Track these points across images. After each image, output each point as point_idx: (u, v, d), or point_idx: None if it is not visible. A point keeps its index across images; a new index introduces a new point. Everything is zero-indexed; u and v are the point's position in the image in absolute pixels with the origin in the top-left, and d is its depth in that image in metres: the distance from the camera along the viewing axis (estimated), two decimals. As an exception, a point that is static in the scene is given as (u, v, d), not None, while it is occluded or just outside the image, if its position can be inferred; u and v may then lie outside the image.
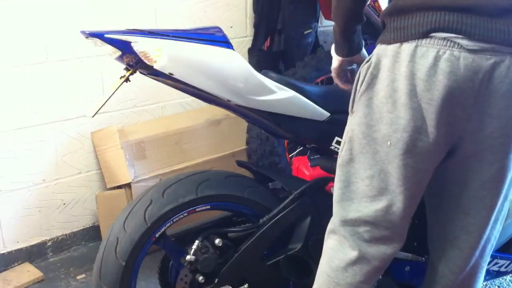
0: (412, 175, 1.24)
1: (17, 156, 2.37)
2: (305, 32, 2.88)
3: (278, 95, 1.52)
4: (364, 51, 1.49)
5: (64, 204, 2.56)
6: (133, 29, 1.41)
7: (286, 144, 2.74)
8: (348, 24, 1.40)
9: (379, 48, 1.23)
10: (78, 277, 2.40)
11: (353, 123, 1.29)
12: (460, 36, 1.12)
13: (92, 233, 2.67)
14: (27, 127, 2.37)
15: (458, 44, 1.12)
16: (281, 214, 1.66)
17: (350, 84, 1.55)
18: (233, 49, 1.48)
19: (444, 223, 1.36)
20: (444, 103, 1.15)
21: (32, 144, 2.40)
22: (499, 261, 1.79)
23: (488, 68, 1.12)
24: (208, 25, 1.57)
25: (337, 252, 1.36)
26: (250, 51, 2.94)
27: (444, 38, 1.13)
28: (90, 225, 2.67)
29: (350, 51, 1.47)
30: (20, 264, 2.46)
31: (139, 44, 1.37)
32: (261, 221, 1.66)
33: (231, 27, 2.89)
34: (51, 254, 2.56)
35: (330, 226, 1.41)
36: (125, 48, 1.38)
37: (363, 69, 1.26)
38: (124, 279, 1.58)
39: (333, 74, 1.57)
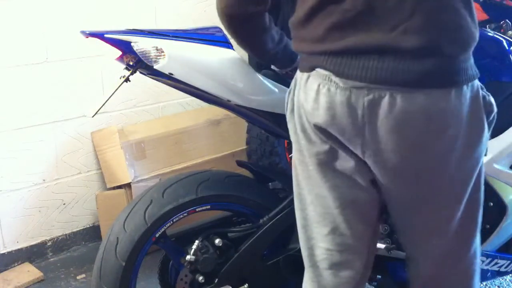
0: (343, 195, 1.22)
1: (17, 156, 2.37)
2: (305, 32, 2.88)
3: (278, 95, 1.52)
4: None
5: (64, 204, 2.56)
6: (133, 29, 1.41)
7: (286, 144, 2.74)
8: (260, 54, 1.45)
9: (297, 73, 1.25)
10: (78, 277, 2.40)
11: (293, 149, 1.29)
12: (334, 74, 1.13)
13: (92, 233, 2.67)
14: (27, 127, 2.37)
15: (334, 81, 1.13)
16: (281, 214, 1.66)
17: None
18: (233, 49, 1.48)
19: (415, 242, 1.31)
20: (330, 137, 1.17)
21: (32, 144, 2.40)
22: (499, 261, 1.79)
23: (366, 104, 1.11)
24: (208, 25, 1.56)
25: (305, 283, 1.36)
26: (250, 51, 2.94)
27: (325, 74, 1.14)
28: (90, 225, 2.67)
29: (284, 66, 1.51)
30: (20, 264, 2.46)
31: (139, 44, 1.37)
32: (261, 221, 1.66)
33: (231, 27, 2.89)
34: (51, 254, 2.56)
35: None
36: (125, 48, 1.38)
37: (286, 95, 1.28)
38: (124, 279, 1.57)
39: None
